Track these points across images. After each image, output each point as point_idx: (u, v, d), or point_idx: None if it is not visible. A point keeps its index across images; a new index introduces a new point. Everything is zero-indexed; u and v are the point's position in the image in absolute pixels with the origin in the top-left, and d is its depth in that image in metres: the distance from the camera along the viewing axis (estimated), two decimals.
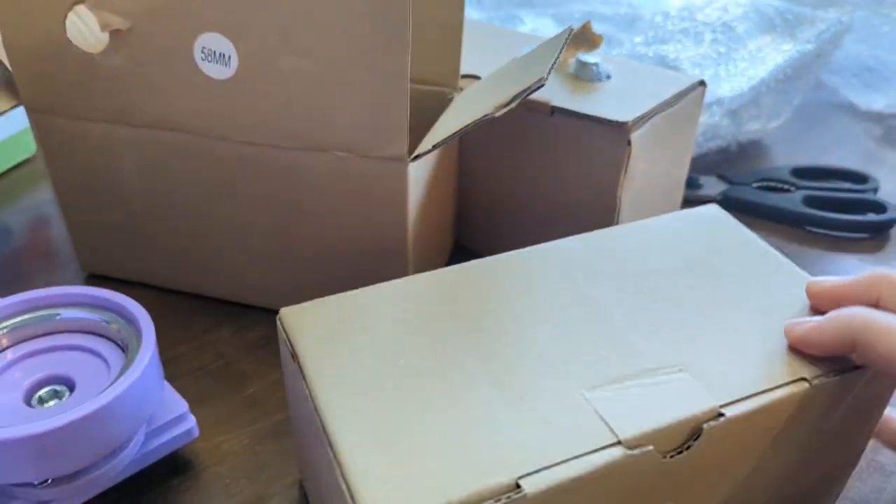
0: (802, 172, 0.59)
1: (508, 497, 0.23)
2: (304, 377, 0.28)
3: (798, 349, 0.29)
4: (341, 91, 0.36)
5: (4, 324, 0.32)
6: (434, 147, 0.37)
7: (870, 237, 0.54)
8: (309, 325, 0.29)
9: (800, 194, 0.56)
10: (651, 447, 0.25)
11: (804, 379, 0.28)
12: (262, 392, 0.40)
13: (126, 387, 0.29)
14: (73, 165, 0.42)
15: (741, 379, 0.28)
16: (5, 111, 0.41)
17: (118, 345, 0.33)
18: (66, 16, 0.37)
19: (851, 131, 0.70)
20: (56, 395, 0.31)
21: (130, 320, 0.32)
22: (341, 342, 0.29)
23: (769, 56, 0.57)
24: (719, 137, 0.61)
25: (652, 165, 0.44)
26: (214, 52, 0.36)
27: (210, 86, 0.37)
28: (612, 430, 0.25)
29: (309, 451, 0.30)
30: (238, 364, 0.42)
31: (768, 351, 0.29)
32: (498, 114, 0.36)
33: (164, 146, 0.40)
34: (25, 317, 0.32)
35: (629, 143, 0.40)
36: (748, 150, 0.65)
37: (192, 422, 0.35)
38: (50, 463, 0.28)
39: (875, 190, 0.57)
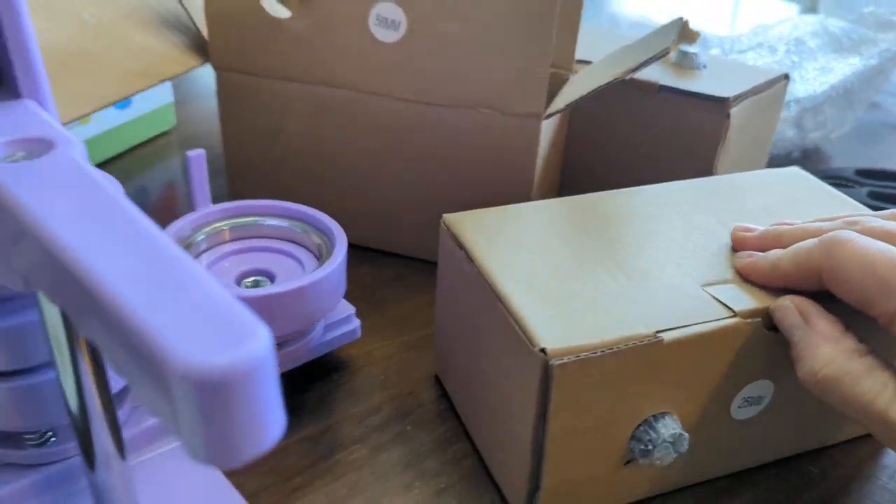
0: (866, 173, 0.64)
1: (649, 340, 0.30)
2: (471, 259, 0.34)
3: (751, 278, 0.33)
4: (493, 53, 0.42)
5: (226, 222, 0.39)
6: (566, 106, 0.43)
7: None
8: (469, 226, 0.36)
9: (865, 189, 0.61)
10: (759, 319, 0.31)
11: None
12: (403, 315, 0.46)
13: (324, 275, 0.35)
14: (244, 117, 0.49)
15: None
16: (192, 69, 0.48)
17: (313, 252, 0.39)
18: None
19: None
20: (259, 284, 0.38)
21: (325, 231, 0.39)
22: (499, 238, 0.35)
23: (838, 67, 0.64)
24: (787, 140, 0.67)
25: (743, 144, 0.50)
26: (387, 19, 0.43)
27: (379, 48, 0.44)
28: (728, 307, 0.32)
29: (463, 333, 0.37)
30: (379, 293, 0.48)
31: None
32: (627, 77, 0.42)
33: (328, 102, 0.47)
34: (241, 220, 0.39)
35: (728, 116, 0.46)
36: (811, 157, 0.71)
37: (357, 323, 0.41)
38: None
39: None
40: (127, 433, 0.30)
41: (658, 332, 0.30)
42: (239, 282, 0.37)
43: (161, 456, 0.33)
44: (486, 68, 0.43)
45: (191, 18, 0.48)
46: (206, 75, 0.78)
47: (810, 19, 0.70)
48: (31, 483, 0.31)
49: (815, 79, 0.63)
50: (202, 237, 0.38)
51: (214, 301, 0.16)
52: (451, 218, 0.37)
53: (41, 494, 0.31)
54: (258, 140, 0.50)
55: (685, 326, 0.30)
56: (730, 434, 0.35)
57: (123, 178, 0.62)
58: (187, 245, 0.37)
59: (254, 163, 0.51)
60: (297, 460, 0.36)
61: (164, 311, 0.16)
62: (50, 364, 0.28)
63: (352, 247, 0.52)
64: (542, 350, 0.29)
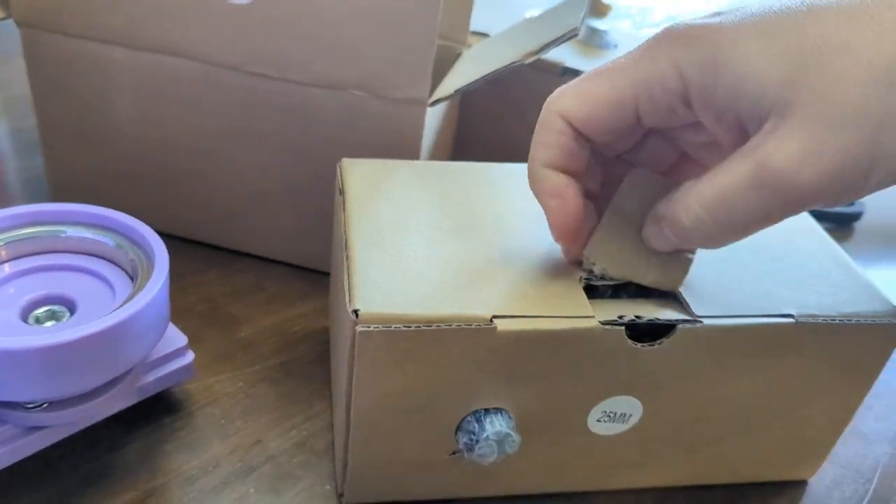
0: None
1: (479, 325, 0.25)
2: (343, 208, 0.30)
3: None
4: (368, 25, 0.35)
5: (3, 235, 0.29)
6: (456, 92, 0.36)
7: (836, 227, 0.56)
8: (360, 172, 0.33)
9: None
10: (623, 328, 0.27)
11: (790, 315, 0.28)
12: (256, 336, 0.38)
13: (140, 307, 0.27)
14: (61, 88, 0.40)
15: (728, 302, 0.28)
16: None
17: (126, 272, 0.31)
18: None
19: None
20: (54, 316, 0.29)
21: (142, 245, 0.30)
22: (382, 191, 0.32)
23: None
24: None
25: None
26: None
27: (227, 9, 0.35)
28: (590, 306, 0.27)
29: (335, 286, 0.33)
30: (228, 307, 0.40)
31: (762, 285, 0.29)
32: (528, 61, 0.35)
33: (165, 73, 0.38)
34: (28, 230, 0.30)
35: None
36: None
37: (190, 357, 0.33)
38: (53, 381, 0.26)
39: None
40: None
41: (496, 317, 0.26)
42: (27, 315, 0.29)
43: None
44: (358, 42, 0.35)
45: None
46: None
47: None
48: None
49: None
50: None
51: None
52: (346, 162, 0.33)
53: None
54: (78, 118, 0.40)
55: (530, 317, 0.26)
56: (592, 448, 0.30)
57: None
58: None
59: (74, 145, 0.41)
60: None
61: None
62: None
63: (198, 244, 0.44)
64: (355, 312, 0.25)
